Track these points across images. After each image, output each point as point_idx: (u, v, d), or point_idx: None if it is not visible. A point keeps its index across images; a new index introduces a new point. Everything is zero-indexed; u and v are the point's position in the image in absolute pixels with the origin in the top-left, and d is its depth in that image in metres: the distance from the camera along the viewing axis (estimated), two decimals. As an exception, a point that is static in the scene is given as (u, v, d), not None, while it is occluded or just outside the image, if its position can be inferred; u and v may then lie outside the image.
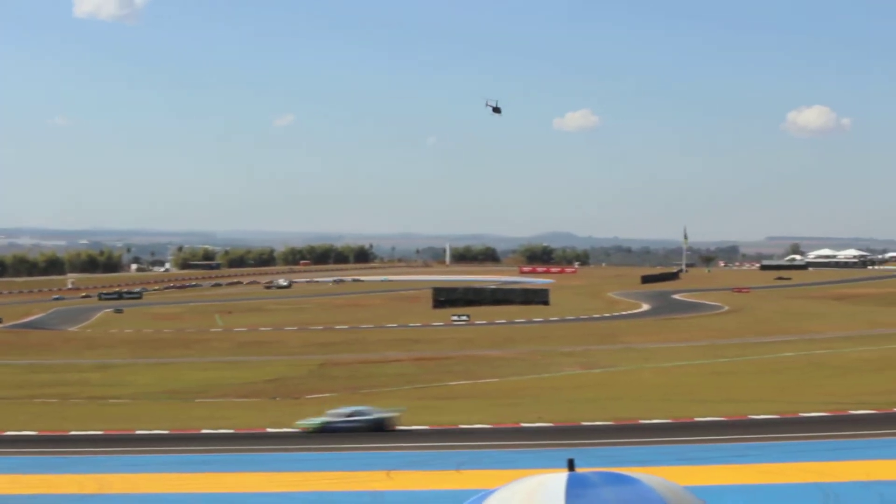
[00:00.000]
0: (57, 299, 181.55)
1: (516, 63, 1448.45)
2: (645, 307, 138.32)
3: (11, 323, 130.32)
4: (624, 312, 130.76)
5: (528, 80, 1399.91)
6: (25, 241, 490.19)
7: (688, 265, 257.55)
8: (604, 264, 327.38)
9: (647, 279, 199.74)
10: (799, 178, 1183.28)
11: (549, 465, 24.52)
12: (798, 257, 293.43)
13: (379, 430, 44.40)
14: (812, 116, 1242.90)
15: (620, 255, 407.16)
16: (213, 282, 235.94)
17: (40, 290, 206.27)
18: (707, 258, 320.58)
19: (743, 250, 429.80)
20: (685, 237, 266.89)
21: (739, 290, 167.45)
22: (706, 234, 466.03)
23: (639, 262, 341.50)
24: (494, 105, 65.95)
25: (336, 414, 45.70)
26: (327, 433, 43.80)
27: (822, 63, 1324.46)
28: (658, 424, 43.92)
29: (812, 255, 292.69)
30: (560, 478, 5.53)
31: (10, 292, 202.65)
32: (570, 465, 5.77)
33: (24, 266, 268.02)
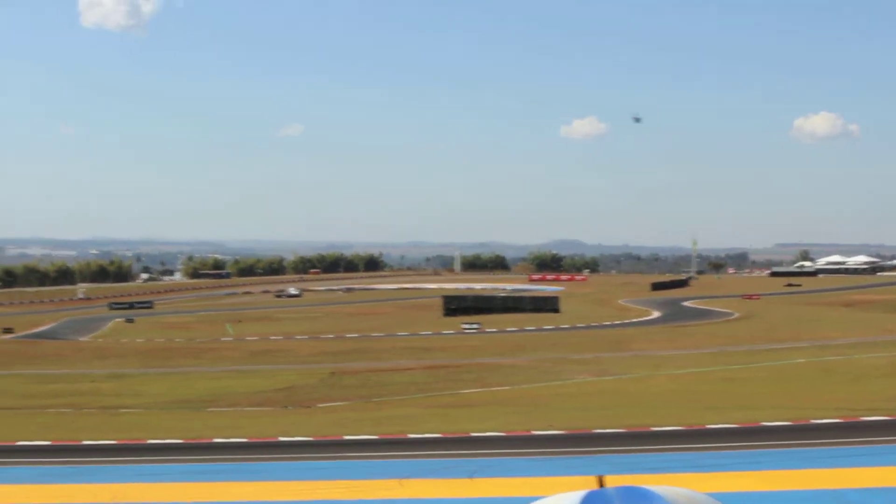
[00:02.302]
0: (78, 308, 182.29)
1: (521, 71, 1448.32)
2: (655, 314, 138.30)
3: (23, 333, 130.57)
4: (634, 319, 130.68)
5: (534, 87, 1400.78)
6: (35, 251, 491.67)
7: (697, 272, 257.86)
8: (613, 271, 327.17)
9: (657, 286, 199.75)
10: (807, 185, 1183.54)
11: (561, 472, 24.65)
12: (808, 264, 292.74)
13: None
14: (819, 123, 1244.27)
15: (630, 262, 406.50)
16: (225, 291, 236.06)
17: (51, 300, 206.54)
18: (717, 265, 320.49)
19: (752, 257, 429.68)
20: (694, 244, 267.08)
21: (749, 296, 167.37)
22: (715, 240, 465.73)
23: (648, 269, 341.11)
24: (637, 117, 67.51)
25: None
26: None
27: (828, 69, 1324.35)
28: (670, 431, 43.84)
29: (822, 262, 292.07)
30: (576, 497, 5.53)
31: (21, 302, 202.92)
32: (600, 482, 5.76)
33: (34, 276, 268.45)
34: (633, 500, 5.46)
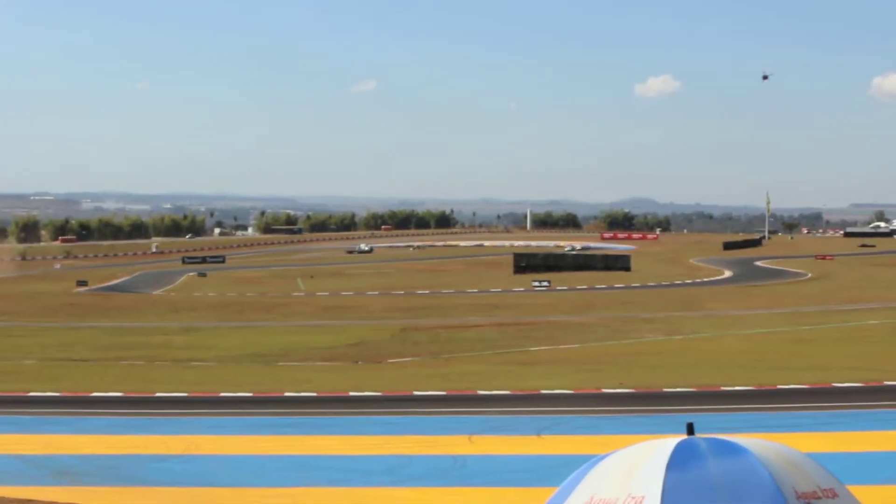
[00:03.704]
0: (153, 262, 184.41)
1: (595, 29, 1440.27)
2: (727, 274, 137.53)
3: (97, 286, 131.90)
4: (706, 279, 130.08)
5: (609, 45, 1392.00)
6: (110, 205, 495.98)
7: (770, 232, 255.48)
8: (685, 230, 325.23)
9: (729, 245, 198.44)
10: (884, 145, 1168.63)
11: (630, 431, 24.80)
12: (882, 224, 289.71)
13: None
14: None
15: (702, 221, 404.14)
16: (296, 246, 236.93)
17: (125, 254, 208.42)
18: (790, 225, 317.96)
19: (826, 217, 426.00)
20: (768, 203, 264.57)
21: (822, 257, 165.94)
22: (789, 200, 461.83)
23: (721, 228, 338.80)
24: (767, 74, 67.47)
25: None
26: None
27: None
28: (740, 391, 43.70)
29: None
30: (669, 444, 5.52)
31: (95, 255, 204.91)
32: (690, 430, 5.76)
33: (109, 230, 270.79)
34: (723, 452, 5.45)
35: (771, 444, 5.67)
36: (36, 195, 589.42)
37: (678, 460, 5.33)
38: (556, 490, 5.80)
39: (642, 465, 5.40)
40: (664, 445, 5.47)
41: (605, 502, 5.39)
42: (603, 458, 5.68)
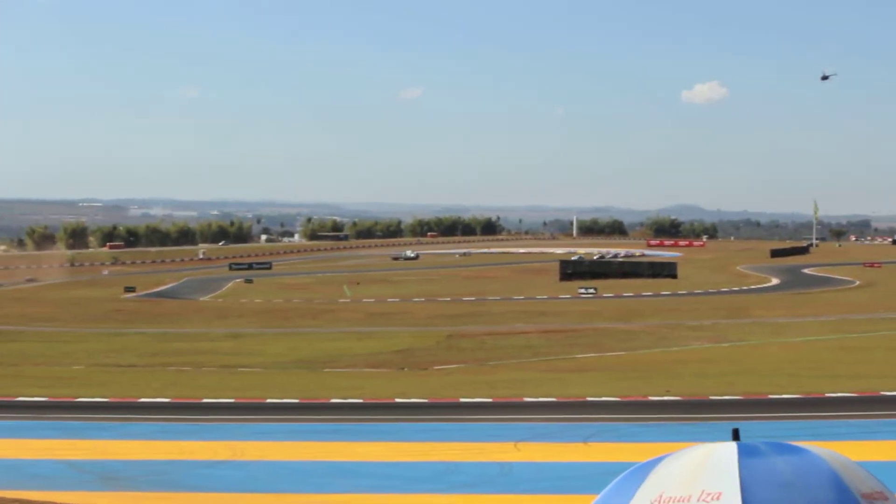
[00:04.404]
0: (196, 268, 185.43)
1: (642, 36, 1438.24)
2: (774, 281, 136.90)
3: (145, 292, 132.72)
4: (753, 286, 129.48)
5: (656, 51, 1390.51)
6: (158, 211, 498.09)
7: (818, 239, 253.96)
8: (732, 238, 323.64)
9: (776, 253, 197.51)
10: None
11: (676, 439, 24.63)
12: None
13: None
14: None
15: (749, 228, 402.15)
16: (342, 252, 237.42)
17: (172, 261, 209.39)
18: (838, 232, 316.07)
19: (875, 224, 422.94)
20: (815, 210, 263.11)
21: (871, 264, 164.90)
22: (837, 207, 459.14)
23: (768, 235, 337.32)
24: (828, 74, 67.20)
25: None
26: None
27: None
28: (787, 399, 43.49)
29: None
30: (730, 446, 5.53)
31: (143, 262, 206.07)
32: (735, 435, 5.77)
33: (156, 236, 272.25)
34: (783, 451, 5.46)
35: (825, 448, 5.69)
36: (84, 202, 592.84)
37: (746, 459, 5.35)
38: (606, 490, 5.79)
39: (709, 464, 5.41)
40: (725, 447, 5.49)
41: (675, 500, 5.39)
42: (659, 460, 5.67)
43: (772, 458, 5.38)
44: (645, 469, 5.61)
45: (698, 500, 5.35)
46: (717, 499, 5.28)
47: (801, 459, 5.40)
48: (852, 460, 5.69)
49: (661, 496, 5.45)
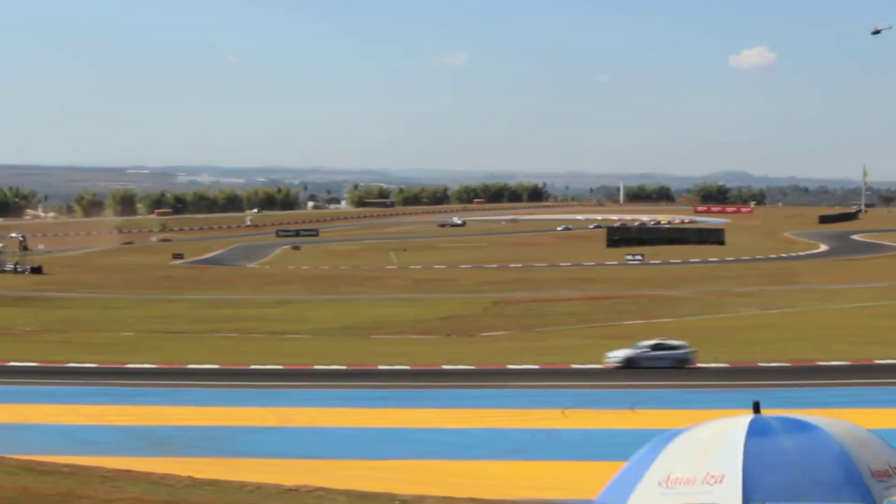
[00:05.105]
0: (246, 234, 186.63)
1: (689, 1, 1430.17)
2: (823, 247, 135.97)
3: (192, 259, 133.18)
4: (801, 253, 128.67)
5: (703, 17, 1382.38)
6: (205, 178, 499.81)
7: (867, 205, 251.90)
8: (780, 204, 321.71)
9: (824, 219, 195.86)
10: None
11: (724, 406, 24.49)
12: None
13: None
14: None
15: (797, 194, 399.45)
16: (388, 219, 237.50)
17: (220, 227, 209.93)
18: (887, 198, 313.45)
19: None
20: (864, 176, 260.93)
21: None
22: (886, 173, 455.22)
23: (816, 201, 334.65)
24: (880, 28, 65.85)
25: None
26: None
27: None
28: (836, 366, 43.34)
29: None
30: (742, 422, 5.55)
31: (190, 228, 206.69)
32: (756, 408, 5.78)
33: (203, 203, 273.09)
34: (794, 429, 5.47)
35: (842, 422, 5.68)
36: (132, 169, 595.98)
37: (754, 439, 5.37)
38: (625, 465, 5.84)
39: (717, 443, 5.44)
40: (736, 424, 5.51)
41: (682, 481, 5.44)
42: (673, 435, 5.71)
43: (780, 436, 5.38)
44: (660, 444, 5.64)
45: (702, 483, 5.39)
46: (720, 482, 5.32)
47: (810, 438, 5.39)
48: (874, 434, 5.69)
49: (668, 477, 5.49)
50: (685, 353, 45.13)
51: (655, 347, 45.36)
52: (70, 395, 39.04)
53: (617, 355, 44.83)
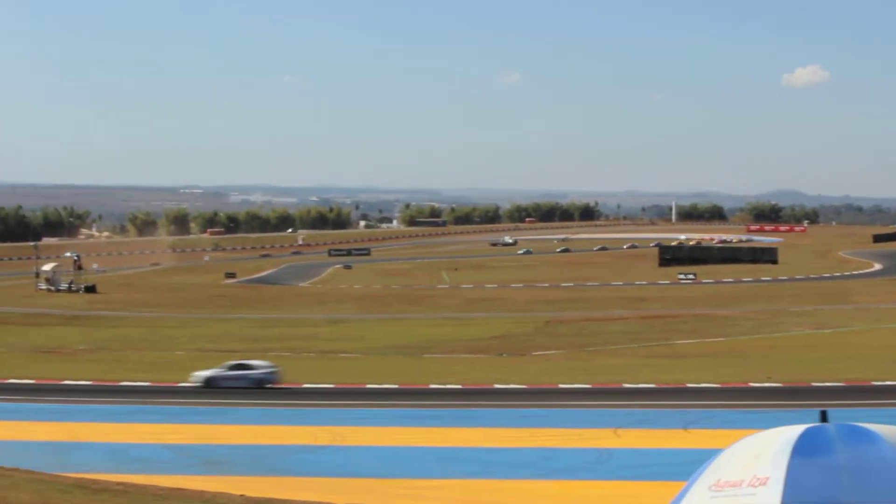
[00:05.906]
0: (295, 254, 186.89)
1: (746, 17, 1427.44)
2: (877, 266, 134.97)
3: (245, 278, 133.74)
4: (855, 272, 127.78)
5: (757, 34, 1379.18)
6: (258, 197, 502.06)
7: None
8: (833, 223, 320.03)
9: (879, 238, 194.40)
10: None
11: (778, 425, 24.36)
12: None
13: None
14: None
15: (851, 213, 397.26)
16: (440, 238, 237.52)
17: (272, 246, 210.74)
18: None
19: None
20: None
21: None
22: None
23: (870, 220, 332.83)
24: None
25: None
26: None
27: None
28: (891, 387, 42.98)
29: None
30: (798, 429, 5.52)
31: (243, 248, 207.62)
32: (823, 417, 5.73)
33: (256, 222, 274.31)
34: (852, 437, 5.41)
35: None
36: (185, 188, 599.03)
37: (805, 444, 5.32)
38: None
39: (769, 448, 5.42)
40: (792, 430, 5.49)
41: (730, 484, 5.42)
42: (732, 445, 5.71)
43: (833, 443, 5.34)
44: (718, 452, 5.65)
45: (748, 485, 5.37)
46: (764, 484, 5.29)
47: (865, 445, 5.34)
48: None
49: (718, 480, 5.48)
50: (265, 373, 46.60)
51: (234, 367, 47.00)
52: (122, 414, 39.27)
53: (198, 375, 46.51)
